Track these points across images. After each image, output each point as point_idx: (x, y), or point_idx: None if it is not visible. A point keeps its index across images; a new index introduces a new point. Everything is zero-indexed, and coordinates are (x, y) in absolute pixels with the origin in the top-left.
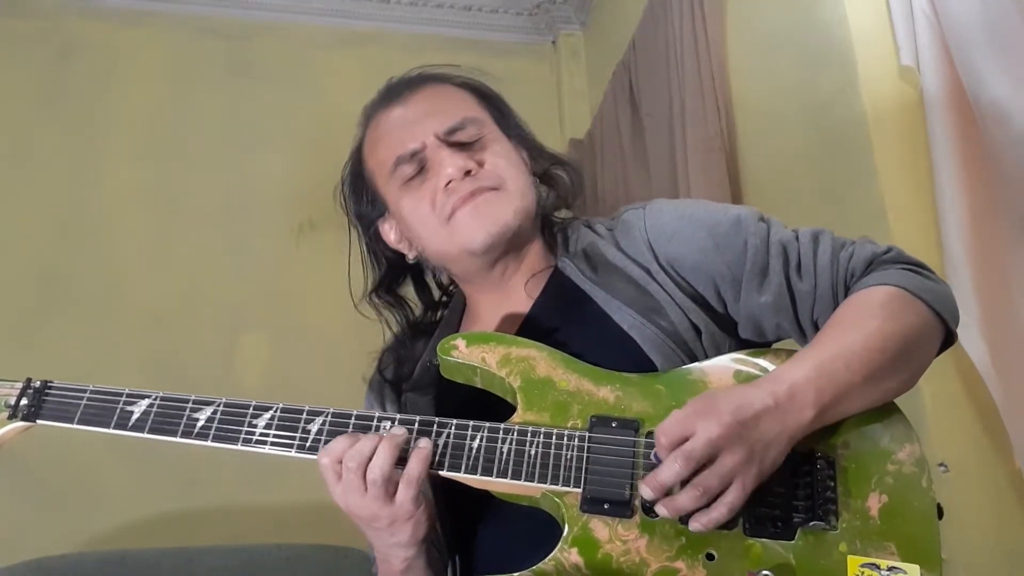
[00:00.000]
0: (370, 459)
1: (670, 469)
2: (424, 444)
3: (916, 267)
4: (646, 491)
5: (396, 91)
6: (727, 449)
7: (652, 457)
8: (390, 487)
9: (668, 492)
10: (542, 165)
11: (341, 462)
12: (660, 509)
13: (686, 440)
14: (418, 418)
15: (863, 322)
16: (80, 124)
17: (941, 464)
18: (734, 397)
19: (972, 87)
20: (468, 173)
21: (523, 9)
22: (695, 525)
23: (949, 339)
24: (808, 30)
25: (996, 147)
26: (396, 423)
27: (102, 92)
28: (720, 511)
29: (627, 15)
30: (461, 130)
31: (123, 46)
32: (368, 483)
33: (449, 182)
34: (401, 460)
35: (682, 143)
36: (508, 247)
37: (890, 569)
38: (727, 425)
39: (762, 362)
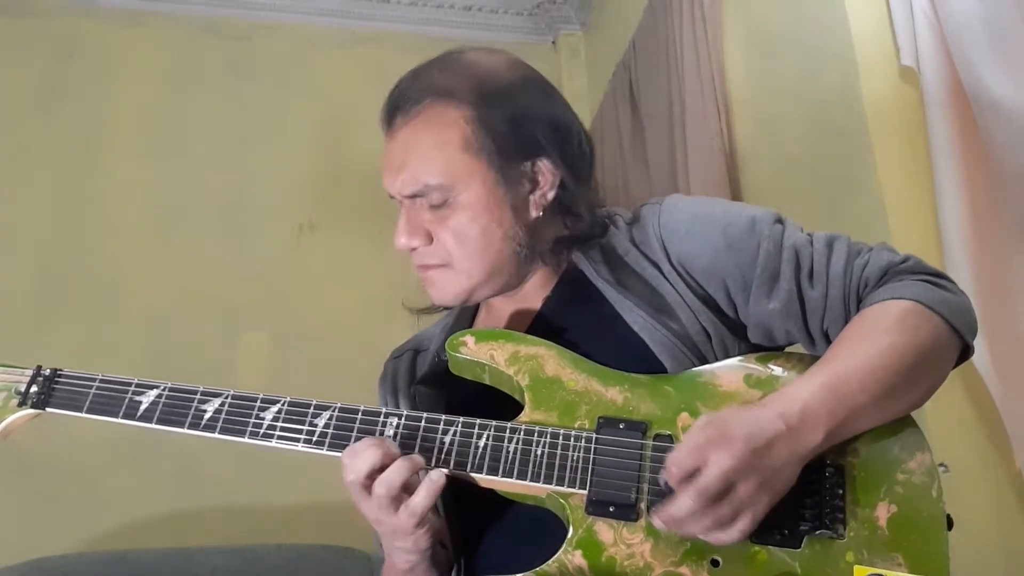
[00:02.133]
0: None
1: (683, 504)
2: (436, 476)
3: (933, 278)
4: (658, 523)
5: (393, 109)
6: (741, 480)
7: (661, 483)
8: (396, 503)
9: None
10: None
11: (351, 467)
12: (672, 530)
13: (697, 470)
14: (425, 415)
15: (877, 338)
16: (80, 124)
17: (941, 464)
18: (745, 423)
19: (972, 87)
20: (414, 249)
21: (523, 9)
22: (703, 538)
23: (966, 353)
24: (808, 30)
25: (996, 147)
26: (403, 420)
27: (102, 92)
28: (732, 536)
29: (627, 15)
30: (423, 196)
31: (123, 46)
32: (373, 495)
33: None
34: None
35: (682, 143)
36: (492, 293)
37: None
38: (740, 456)
39: (773, 366)
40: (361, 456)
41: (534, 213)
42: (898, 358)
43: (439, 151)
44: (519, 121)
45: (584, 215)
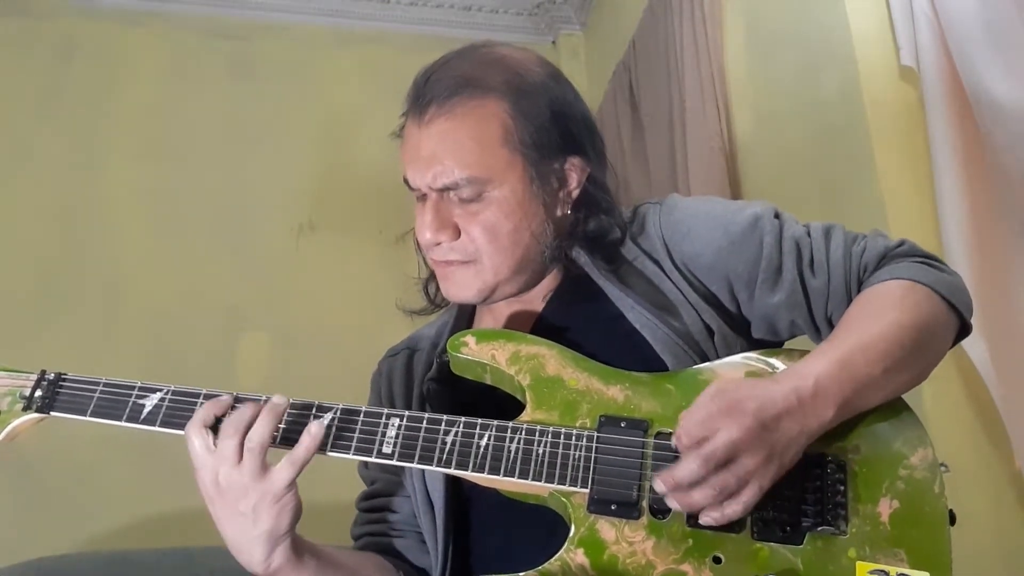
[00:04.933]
0: (249, 427)
1: (688, 468)
2: (315, 429)
3: (928, 260)
4: (660, 485)
5: (424, 99)
6: (747, 451)
7: (672, 445)
8: (267, 463)
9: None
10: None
11: (213, 428)
12: (672, 502)
13: (705, 439)
14: (426, 416)
15: (880, 316)
16: (80, 124)
17: (941, 464)
18: (757, 394)
19: (972, 87)
20: (439, 243)
21: (523, 9)
22: (706, 519)
23: (964, 331)
24: (808, 30)
25: (996, 147)
26: (405, 421)
27: (102, 92)
28: (735, 509)
29: (627, 15)
30: (455, 190)
31: (123, 46)
32: (245, 451)
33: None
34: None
35: (682, 143)
36: (513, 292)
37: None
38: (748, 427)
39: (774, 361)
40: (201, 412)
41: (562, 211)
42: (901, 333)
43: (478, 144)
44: (558, 116)
45: (610, 212)
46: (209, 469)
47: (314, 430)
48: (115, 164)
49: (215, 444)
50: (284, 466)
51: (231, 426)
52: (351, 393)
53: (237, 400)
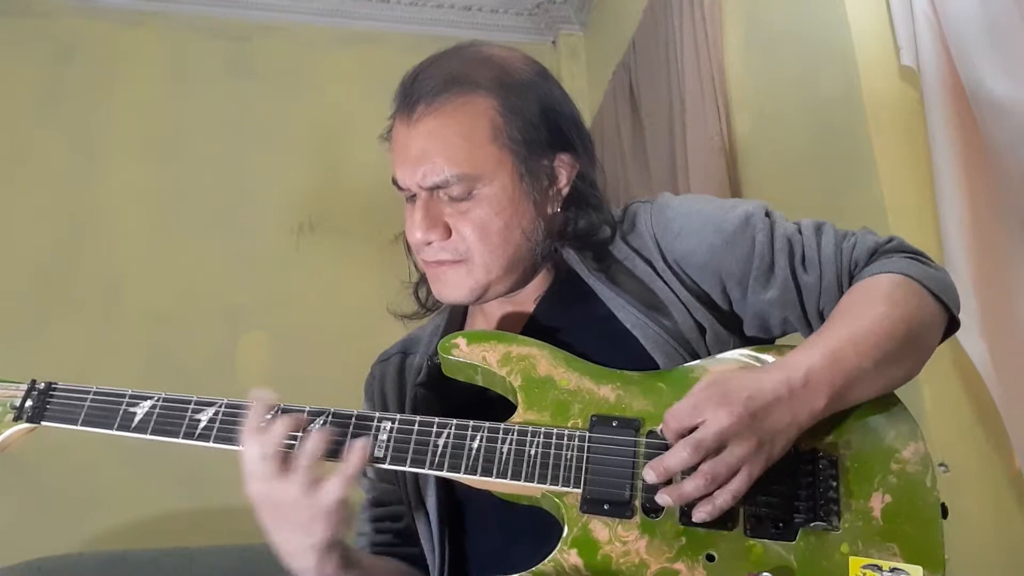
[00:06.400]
0: (295, 442)
1: (677, 456)
2: (362, 443)
3: (917, 255)
4: (650, 475)
5: (413, 98)
6: (737, 439)
7: (659, 432)
8: (318, 477)
9: (670, 480)
10: (572, 196)
11: (263, 442)
12: (663, 497)
13: (695, 426)
14: (418, 418)
15: (870, 309)
16: (80, 124)
17: (941, 464)
18: (747, 384)
19: (972, 87)
20: (430, 243)
21: (523, 9)
22: (699, 515)
23: (952, 326)
24: (808, 30)
25: (996, 147)
26: (397, 423)
27: (102, 92)
28: (724, 498)
29: (627, 15)
30: (445, 188)
31: (123, 46)
32: (297, 467)
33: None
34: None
35: (682, 143)
36: (504, 290)
37: (892, 570)
38: (738, 416)
39: (767, 358)
40: (272, 428)
41: (552, 208)
42: (891, 326)
43: (467, 141)
44: (547, 113)
45: (600, 209)
46: (261, 480)
47: (361, 443)
48: (115, 164)
49: (271, 457)
50: (336, 482)
51: (304, 455)
52: (351, 393)
53: (283, 411)
